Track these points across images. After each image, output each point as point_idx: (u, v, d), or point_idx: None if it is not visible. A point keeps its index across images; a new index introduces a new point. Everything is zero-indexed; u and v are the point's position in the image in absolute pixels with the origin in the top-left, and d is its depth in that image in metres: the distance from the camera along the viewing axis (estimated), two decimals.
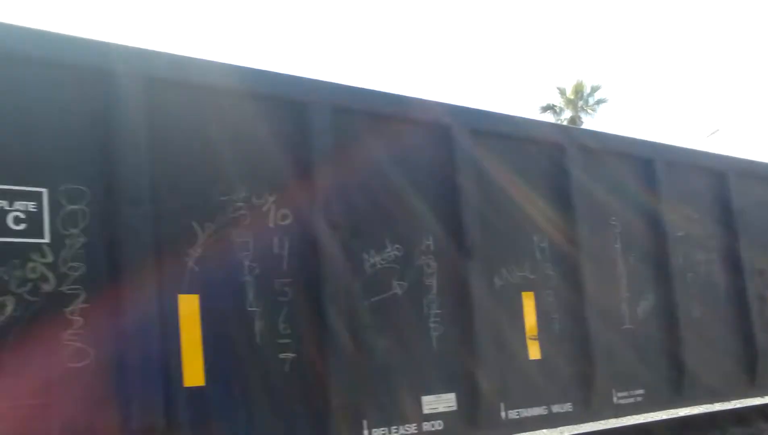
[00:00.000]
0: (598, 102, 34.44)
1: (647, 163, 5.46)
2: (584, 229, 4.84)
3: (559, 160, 4.86)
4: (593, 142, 5.21)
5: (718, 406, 6.50)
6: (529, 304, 4.49)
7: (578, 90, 34.56)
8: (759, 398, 6.78)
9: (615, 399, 4.83)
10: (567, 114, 34.49)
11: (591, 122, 34.30)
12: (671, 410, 6.27)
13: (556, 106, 34.83)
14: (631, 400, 4.93)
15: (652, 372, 5.11)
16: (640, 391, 5.00)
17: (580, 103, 34.66)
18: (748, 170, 6.32)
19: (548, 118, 33.61)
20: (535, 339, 4.49)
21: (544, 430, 5.59)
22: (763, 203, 6.29)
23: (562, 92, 34.66)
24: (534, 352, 4.46)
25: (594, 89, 34.37)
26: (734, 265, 5.87)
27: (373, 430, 3.63)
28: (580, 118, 34.13)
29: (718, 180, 5.95)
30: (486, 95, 75.79)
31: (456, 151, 4.23)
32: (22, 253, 2.73)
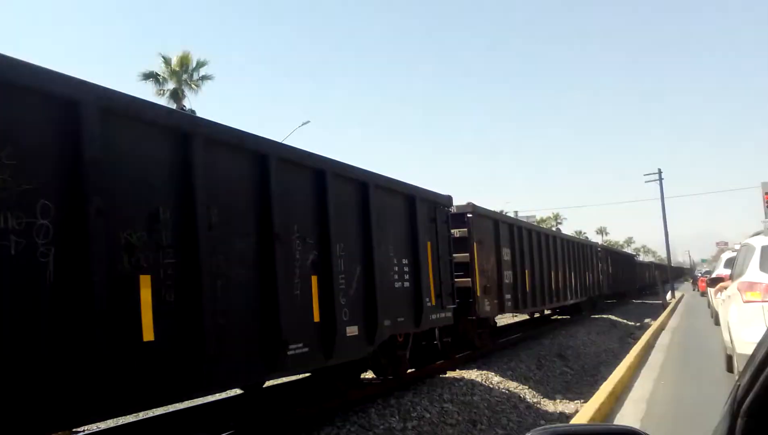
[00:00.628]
0: (203, 78, 32.93)
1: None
2: None
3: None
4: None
5: None
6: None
7: (184, 62, 32.33)
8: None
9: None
10: (170, 85, 32.41)
11: (194, 98, 33.37)
12: None
13: (159, 75, 32.31)
14: None
15: None
16: None
17: (185, 76, 32.49)
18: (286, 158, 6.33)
19: (149, 87, 31.99)
20: None
21: None
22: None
23: (167, 61, 32.28)
24: None
25: (200, 64, 32.76)
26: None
27: None
28: (183, 91, 32.37)
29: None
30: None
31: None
32: None
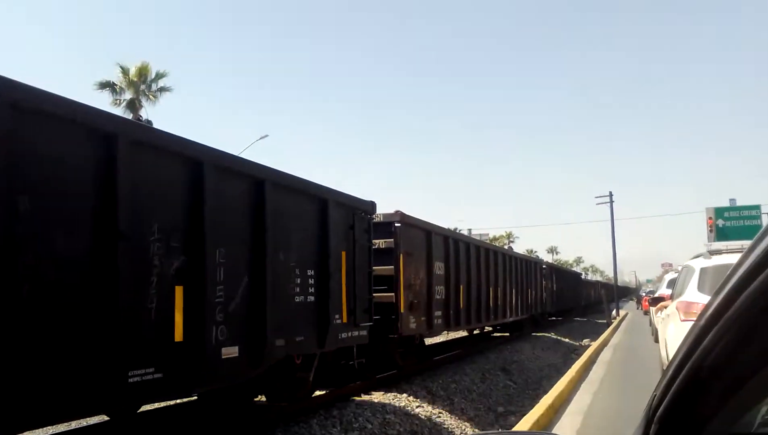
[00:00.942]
0: (162, 89, 32.77)
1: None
2: None
3: None
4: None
5: None
6: None
7: (143, 72, 32.06)
8: None
9: None
10: (128, 96, 32.05)
11: (152, 109, 33.25)
12: None
13: (116, 85, 31.93)
14: None
15: None
16: None
17: (143, 86, 32.18)
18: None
19: (106, 97, 31.74)
20: None
21: None
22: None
23: (125, 71, 31.90)
24: None
25: (159, 75, 32.61)
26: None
27: None
28: (140, 102, 32.03)
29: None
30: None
31: None
32: None
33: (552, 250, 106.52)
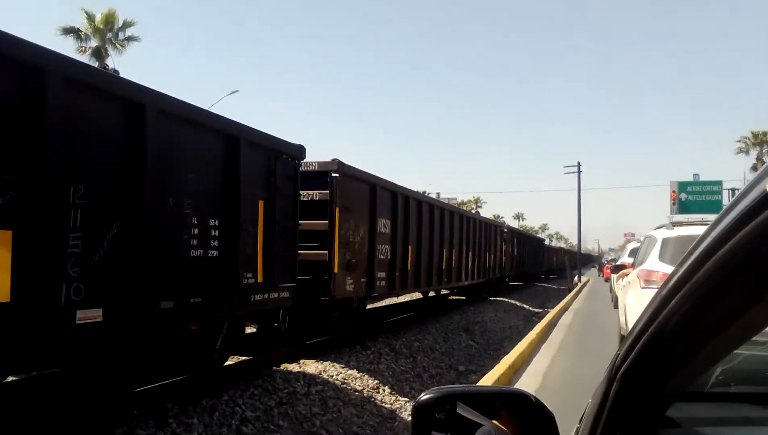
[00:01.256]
0: (129, 39, 31.46)
1: None
2: None
3: None
4: None
5: None
6: None
7: (109, 20, 30.45)
8: None
9: None
10: (93, 43, 30.62)
11: (120, 59, 32.39)
12: None
13: (81, 31, 30.40)
14: None
15: None
16: None
17: (110, 34, 30.74)
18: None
19: (70, 43, 30.25)
20: None
21: None
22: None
23: (91, 17, 30.25)
24: None
25: (127, 24, 31.21)
26: None
27: None
28: (107, 50, 30.64)
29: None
30: None
31: None
32: None
33: (518, 217, 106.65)
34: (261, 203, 7.29)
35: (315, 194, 9.19)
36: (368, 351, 9.91)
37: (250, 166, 6.93)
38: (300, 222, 8.58)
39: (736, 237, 0.62)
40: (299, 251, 8.47)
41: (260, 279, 7.29)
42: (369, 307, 16.42)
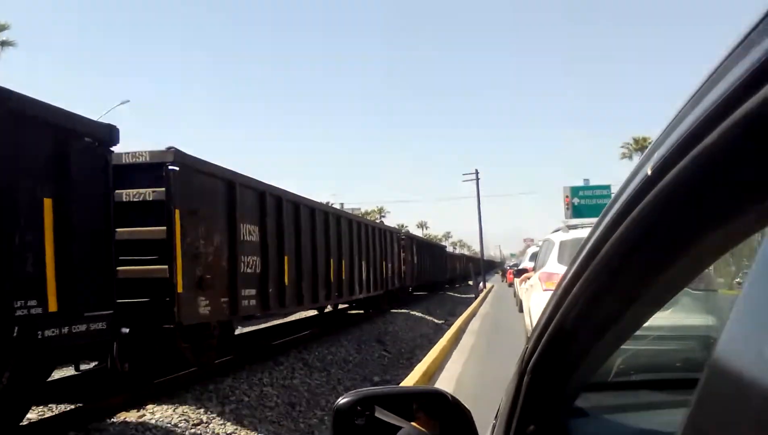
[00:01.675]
0: (4, 43, 30.70)
1: None
2: None
3: None
4: None
5: None
6: None
7: None
8: None
9: None
10: None
11: None
12: None
13: None
14: None
15: None
16: None
17: None
18: None
19: None
20: None
21: None
22: None
23: None
24: None
25: (1, 27, 30.52)
26: None
27: None
28: None
29: None
30: None
31: None
32: None
33: (422, 225, 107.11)
34: (48, 202, 5.30)
35: (148, 193, 7.24)
36: (281, 367, 9.74)
37: (19, 148, 4.94)
38: (128, 229, 6.69)
39: (620, 227, 0.63)
40: (125, 267, 6.55)
41: (53, 307, 5.28)
42: (255, 328, 14.67)
